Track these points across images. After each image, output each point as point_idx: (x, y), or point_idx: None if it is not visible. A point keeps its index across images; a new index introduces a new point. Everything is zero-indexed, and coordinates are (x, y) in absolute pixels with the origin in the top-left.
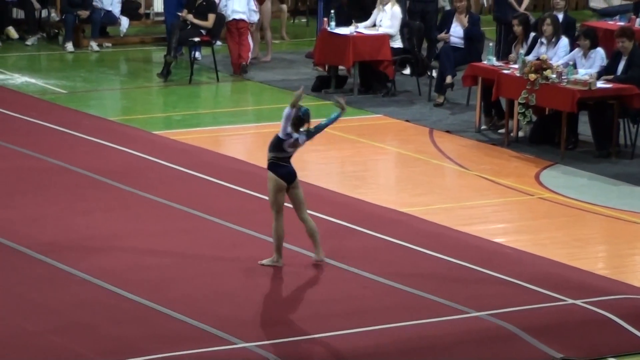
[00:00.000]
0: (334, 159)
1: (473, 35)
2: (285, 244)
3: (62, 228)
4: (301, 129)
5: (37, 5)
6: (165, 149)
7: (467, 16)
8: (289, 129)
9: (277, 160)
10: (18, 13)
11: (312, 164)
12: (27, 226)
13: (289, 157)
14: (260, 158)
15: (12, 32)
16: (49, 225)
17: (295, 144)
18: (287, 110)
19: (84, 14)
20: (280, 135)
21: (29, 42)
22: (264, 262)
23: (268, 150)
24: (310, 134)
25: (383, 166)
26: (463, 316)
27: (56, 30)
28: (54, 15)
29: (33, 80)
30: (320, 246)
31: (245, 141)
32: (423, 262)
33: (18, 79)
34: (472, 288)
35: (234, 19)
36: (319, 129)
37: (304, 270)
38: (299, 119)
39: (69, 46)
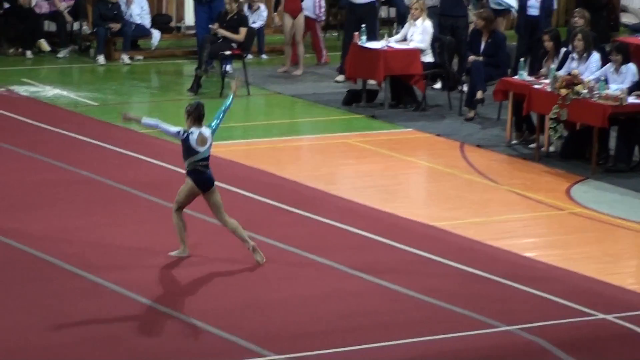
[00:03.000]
0: (365, 172)
1: (498, 58)
2: (314, 257)
3: (93, 240)
4: (203, 124)
5: (69, 18)
6: None
7: (491, 37)
8: (185, 127)
9: (195, 165)
10: (50, 25)
11: (343, 177)
12: (58, 238)
13: (207, 159)
14: (291, 171)
15: (44, 44)
16: (80, 238)
17: (203, 139)
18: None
19: (116, 27)
20: (180, 136)
21: (60, 55)
22: (173, 253)
23: (183, 159)
24: (213, 127)
25: (414, 180)
26: (493, 330)
27: (88, 43)
28: (86, 28)
29: (64, 93)
30: (246, 236)
31: (276, 154)
32: (453, 276)
33: (50, 92)
34: (503, 302)
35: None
36: (219, 118)
37: (334, 282)
38: (200, 111)
39: (101, 59)
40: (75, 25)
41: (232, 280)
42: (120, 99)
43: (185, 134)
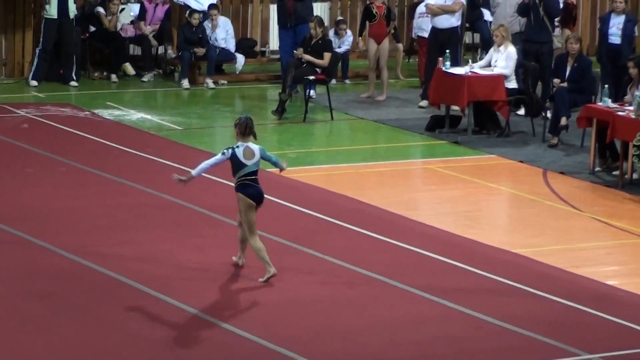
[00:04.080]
0: (447, 198)
1: (583, 83)
2: (394, 282)
3: (176, 264)
4: (250, 139)
5: (154, 42)
6: (279, 187)
7: (577, 62)
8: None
9: (243, 179)
10: (135, 49)
11: (425, 203)
12: (141, 262)
13: (255, 174)
14: (373, 196)
15: (129, 68)
16: (163, 261)
17: (250, 152)
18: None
19: (201, 51)
20: (227, 155)
21: (145, 79)
22: (234, 258)
23: (233, 176)
24: (264, 151)
25: (496, 206)
26: (575, 358)
27: (172, 67)
28: (171, 52)
29: (149, 117)
30: (244, 252)
31: (359, 179)
32: (535, 303)
33: (134, 115)
34: (584, 330)
35: (419, 36)
36: (269, 157)
37: (415, 308)
38: (246, 124)
39: (185, 83)
40: (160, 49)
41: (314, 305)
42: (204, 123)
43: (231, 150)
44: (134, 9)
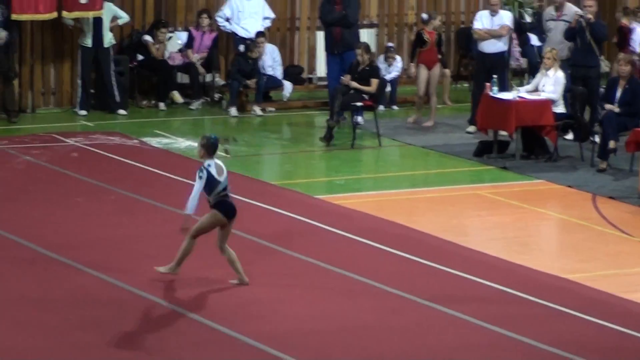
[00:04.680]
0: (496, 224)
1: (635, 106)
2: (444, 308)
3: (226, 293)
4: (215, 155)
5: (201, 70)
6: (328, 213)
7: (629, 84)
8: (204, 162)
9: (219, 197)
10: (183, 77)
11: (474, 229)
12: (188, 289)
13: (227, 189)
14: (422, 222)
15: (177, 96)
16: (213, 290)
17: (220, 169)
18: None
19: (252, 83)
20: (204, 176)
21: (193, 107)
22: (161, 269)
23: (208, 195)
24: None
25: (545, 232)
26: None
27: (220, 95)
28: (218, 80)
29: (197, 145)
30: (241, 270)
31: (407, 206)
32: (585, 328)
33: (182, 143)
34: (636, 356)
35: None
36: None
37: (464, 335)
38: (215, 144)
39: (233, 111)
40: (208, 77)
41: (362, 334)
42: (252, 151)
43: (206, 171)
44: (182, 37)
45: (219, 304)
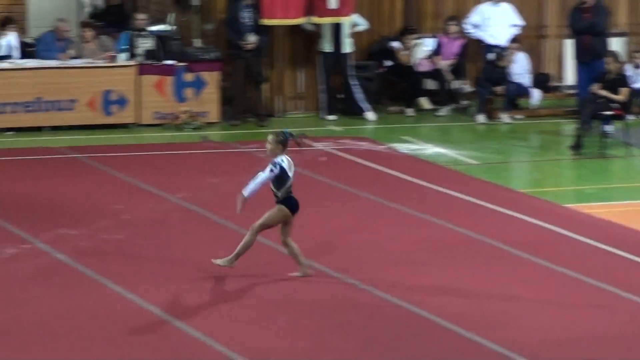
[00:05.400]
0: None
1: None
2: None
3: (473, 299)
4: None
5: (449, 77)
6: (576, 223)
7: None
8: (278, 158)
9: (288, 192)
10: (430, 84)
11: None
12: (436, 295)
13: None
14: None
15: (425, 102)
16: (460, 296)
17: (291, 164)
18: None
19: (500, 90)
20: (276, 170)
21: (440, 113)
22: (218, 261)
23: (276, 190)
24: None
25: None
26: None
27: (467, 102)
28: (466, 87)
29: (444, 151)
30: (304, 262)
31: None
32: None
33: (430, 150)
34: None
35: None
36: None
37: None
38: (289, 140)
39: (481, 118)
40: (455, 84)
41: (614, 343)
42: (500, 158)
43: (279, 166)
44: (429, 43)
45: (464, 310)
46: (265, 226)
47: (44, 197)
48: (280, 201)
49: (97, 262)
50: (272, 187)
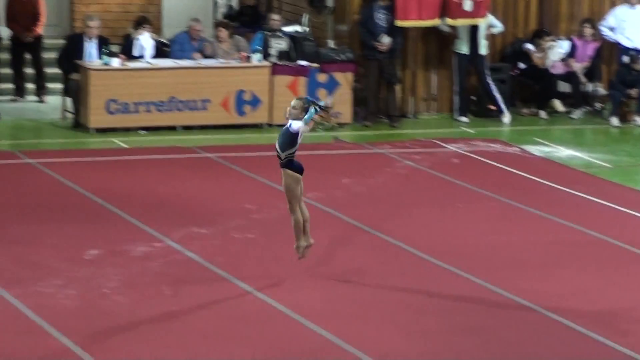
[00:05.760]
0: None
1: None
2: None
3: (605, 302)
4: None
5: (583, 79)
6: None
7: None
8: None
9: (292, 155)
10: (564, 86)
11: None
12: (569, 299)
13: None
14: None
15: (558, 104)
16: (593, 299)
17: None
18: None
19: (634, 93)
20: (294, 129)
21: (574, 116)
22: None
23: (281, 150)
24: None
25: None
26: None
27: (601, 104)
28: (600, 90)
29: (578, 154)
30: (308, 231)
31: None
32: None
33: (563, 152)
34: None
35: None
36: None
37: None
38: (308, 108)
39: (614, 120)
40: (589, 86)
41: None
42: (634, 161)
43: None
44: (564, 45)
45: (587, 308)
46: (292, 199)
47: (175, 196)
48: (283, 165)
49: (227, 261)
50: (279, 147)
